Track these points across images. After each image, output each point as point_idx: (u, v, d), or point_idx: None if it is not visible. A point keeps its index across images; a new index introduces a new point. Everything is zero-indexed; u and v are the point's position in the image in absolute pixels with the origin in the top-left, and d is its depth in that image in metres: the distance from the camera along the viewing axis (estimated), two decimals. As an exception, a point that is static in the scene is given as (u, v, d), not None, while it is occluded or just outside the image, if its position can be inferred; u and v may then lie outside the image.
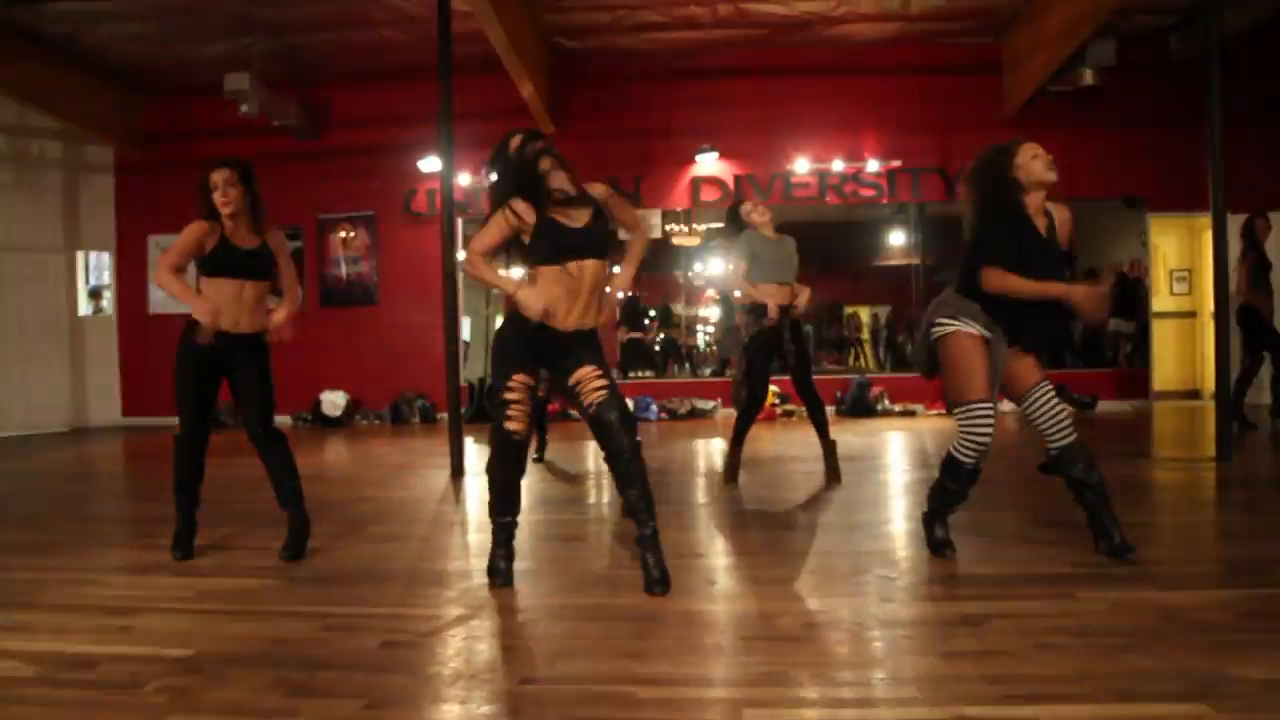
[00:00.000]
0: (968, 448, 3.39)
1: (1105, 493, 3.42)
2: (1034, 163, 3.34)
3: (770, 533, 4.19)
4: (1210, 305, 7.18)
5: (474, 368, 12.38)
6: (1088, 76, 9.28)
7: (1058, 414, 3.39)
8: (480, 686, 2.34)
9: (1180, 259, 11.54)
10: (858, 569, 3.41)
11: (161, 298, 11.10)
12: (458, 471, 6.21)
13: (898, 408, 10.17)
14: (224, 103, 9.65)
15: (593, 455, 7.46)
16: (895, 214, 11.56)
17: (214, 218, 3.80)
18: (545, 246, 3.23)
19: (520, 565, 3.70)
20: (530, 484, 6.17)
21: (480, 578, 3.44)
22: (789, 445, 7.48)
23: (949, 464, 3.49)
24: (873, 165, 10.40)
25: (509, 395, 3.25)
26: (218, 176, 3.76)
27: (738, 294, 5.31)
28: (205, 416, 3.97)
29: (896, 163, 10.40)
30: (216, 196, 3.77)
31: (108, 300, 11.34)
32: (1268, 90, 9.64)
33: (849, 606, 2.94)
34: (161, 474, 7.07)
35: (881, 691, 2.23)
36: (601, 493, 5.70)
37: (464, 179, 10.47)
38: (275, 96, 10.01)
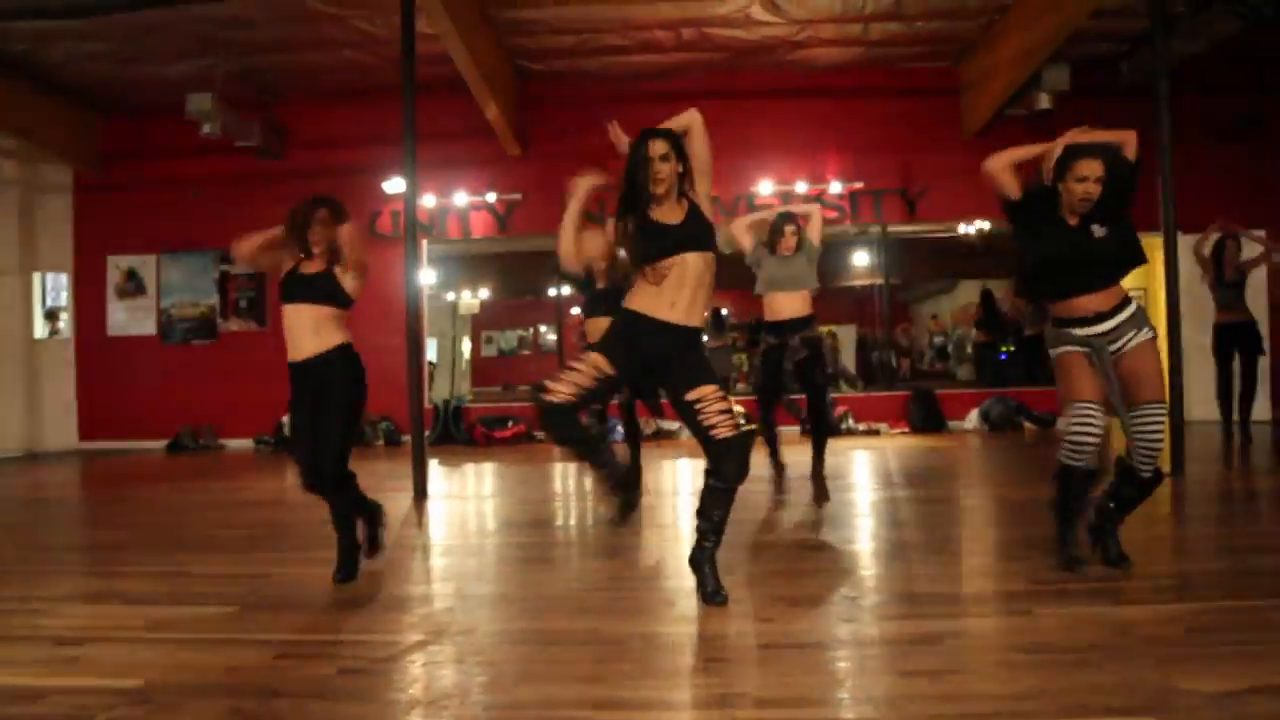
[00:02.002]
0: (1070, 446, 3.44)
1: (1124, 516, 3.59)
2: (1075, 186, 3.38)
3: (733, 554, 4.18)
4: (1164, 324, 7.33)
5: (440, 389, 12.31)
6: (1043, 100, 9.48)
7: (1153, 442, 3.42)
8: (438, 713, 2.32)
9: (1135, 278, 11.74)
10: (820, 589, 3.42)
11: (121, 320, 10.96)
12: (420, 494, 6.16)
13: (862, 427, 10.24)
14: (186, 123, 9.55)
15: (559, 477, 7.44)
16: (858, 235, 11.68)
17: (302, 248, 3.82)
18: (643, 246, 3.27)
19: (484, 589, 3.69)
20: (498, 506, 6.14)
21: (441, 602, 3.41)
22: (752, 466, 7.49)
23: (1060, 472, 3.53)
24: (835, 187, 10.51)
25: (569, 364, 3.25)
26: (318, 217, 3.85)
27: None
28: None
29: (859, 184, 10.52)
30: (311, 235, 3.82)
31: (65, 322, 11.14)
32: (1216, 114, 9.90)
33: (810, 627, 2.95)
34: (118, 499, 6.98)
35: (840, 711, 2.24)
36: (569, 515, 5.68)
37: (428, 200, 10.46)
38: (238, 117, 9.94)
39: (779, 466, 6.05)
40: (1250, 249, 8.02)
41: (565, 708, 2.32)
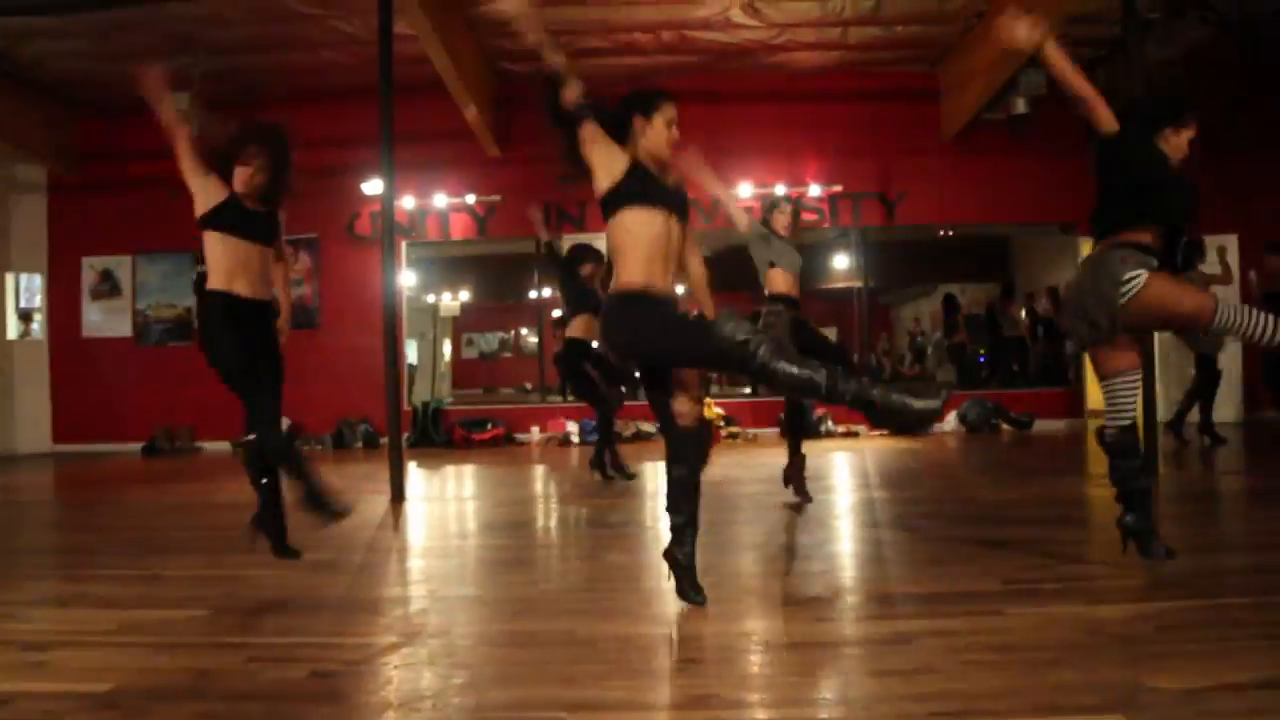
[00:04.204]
0: (1262, 324, 3.15)
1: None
2: (1183, 143, 3.40)
3: (710, 555, 4.19)
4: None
5: (420, 391, 12.26)
6: (1020, 105, 9.59)
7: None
8: (408, 716, 2.31)
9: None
10: (795, 590, 3.43)
11: (96, 322, 10.86)
12: (398, 496, 6.13)
13: (840, 429, 10.28)
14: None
15: (538, 479, 7.43)
16: (838, 237, 11.74)
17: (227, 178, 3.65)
18: (636, 187, 3.11)
19: (460, 591, 3.68)
20: (476, 509, 6.12)
21: (416, 605, 3.39)
22: (730, 468, 7.52)
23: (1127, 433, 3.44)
24: (814, 190, 10.56)
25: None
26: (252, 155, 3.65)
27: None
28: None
29: (838, 187, 10.58)
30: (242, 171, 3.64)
31: (38, 323, 11.02)
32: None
33: (784, 627, 2.95)
34: (91, 502, 6.91)
35: (810, 712, 2.25)
36: (549, 517, 5.67)
37: (408, 202, 10.42)
38: (216, 117, 9.85)
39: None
40: (1210, 267, 8.12)
41: (538, 709, 2.31)
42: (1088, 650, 2.60)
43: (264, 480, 3.63)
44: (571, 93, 3.12)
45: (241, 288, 3.61)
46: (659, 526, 4.90)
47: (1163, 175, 3.37)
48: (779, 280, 5.43)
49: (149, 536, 5.04)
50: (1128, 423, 3.46)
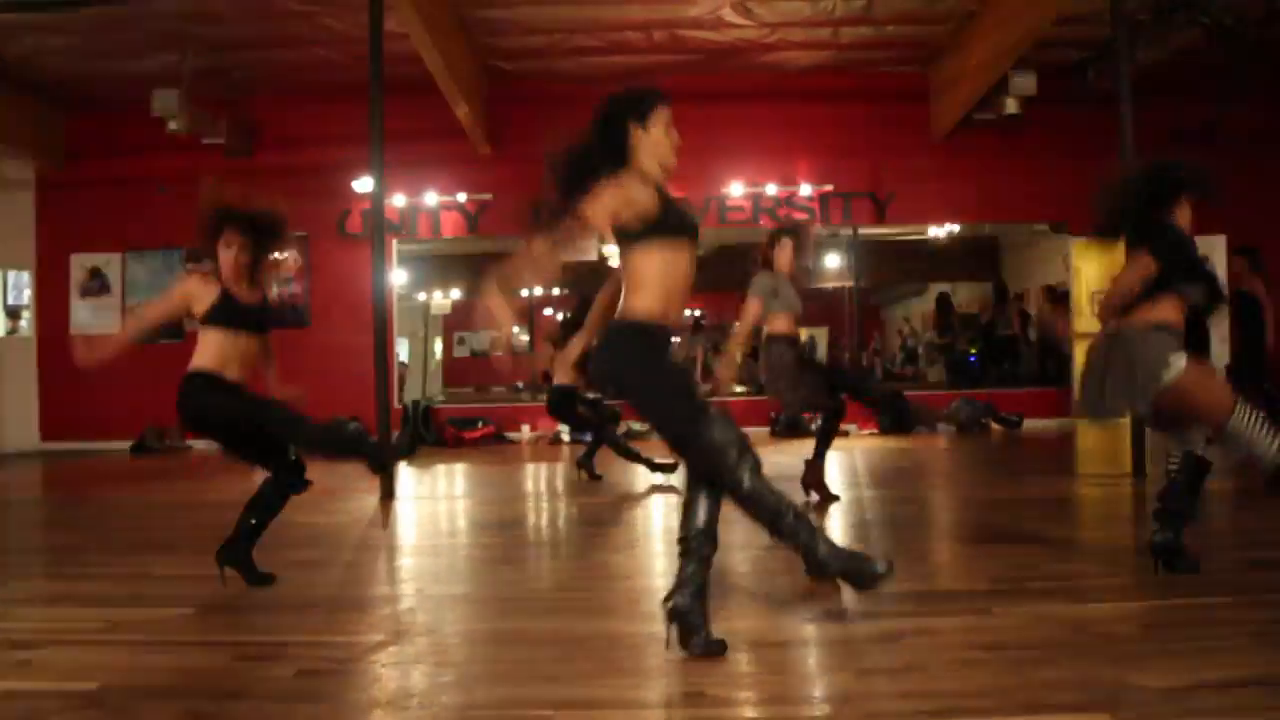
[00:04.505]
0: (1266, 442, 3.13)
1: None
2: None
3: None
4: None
5: (411, 390, 12.24)
6: (1010, 105, 9.61)
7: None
8: (395, 714, 2.31)
9: (1101, 281, 11.93)
10: (782, 588, 3.44)
11: (85, 319, 10.80)
12: (388, 495, 6.12)
13: (832, 428, 10.28)
14: (152, 120, 9.43)
15: (529, 478, 7.43)
16: (829, 237, 11.74)
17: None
18: (674, 220, 2.76)
19: (448, 590, 3.67)
20: (466, 507, 6.12)
21: (404, 603, 3.39)
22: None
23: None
24: (805, 189, 10.57)
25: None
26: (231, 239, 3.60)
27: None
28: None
29: (828, 187, 10.59)
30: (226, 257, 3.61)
31: (26, 320, 10.95)
32: (1179, 120, 10.07)
33: (771, 626, 2.96)
34: (79, 501, 6.88)
35: (797, 710, 2.26)
36: (539, 516, 5.67)
37: (398, 200, 10.40)
38: (205, 114, 9.83)
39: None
40: None
41: (525, 707, 2.31)
42: (1074, 649, 2.62)
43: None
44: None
45: (232, 373, 3.61)
46: (647, 525, 4.91)
47: (1196, 256, 3.38)
48: (780, 321, 5.26)
49: (137, 535, 5.03)
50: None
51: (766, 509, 2.65)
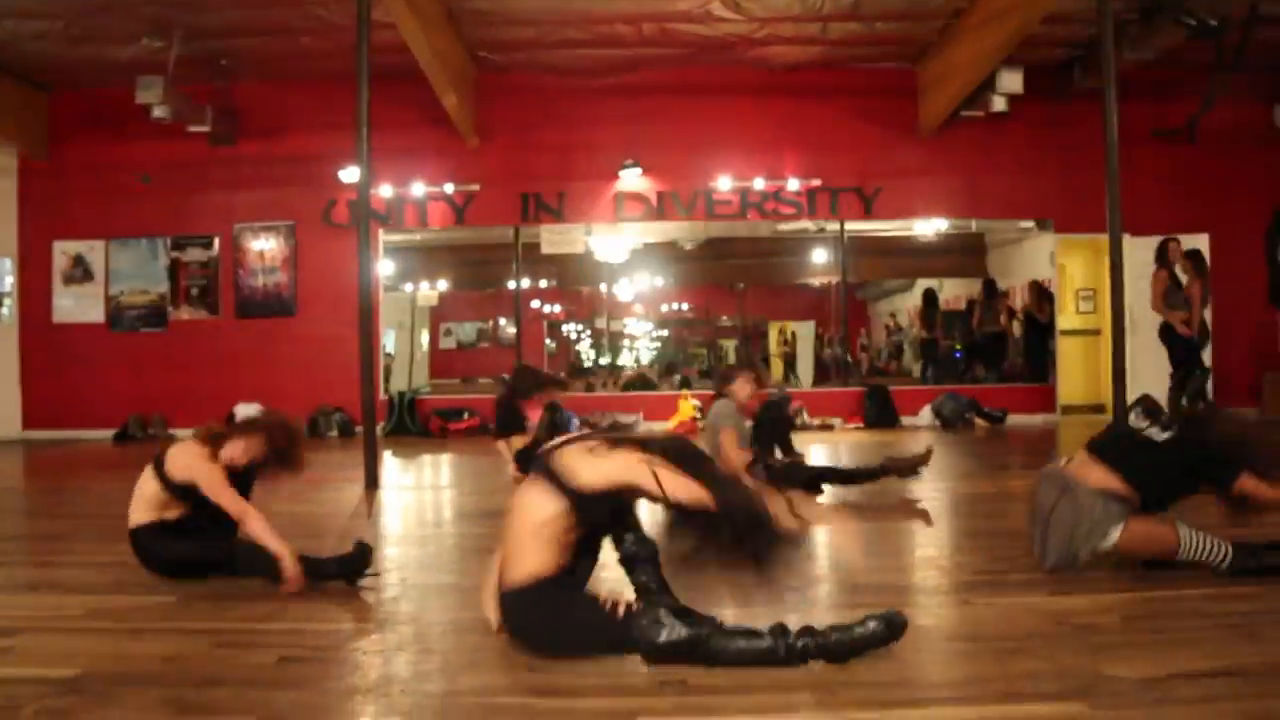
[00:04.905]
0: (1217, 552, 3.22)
1: None
2: None
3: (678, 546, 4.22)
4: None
5: (397, 381, 12.20)
6: (998, 103, 9.65)
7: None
8: (376, 701, 2.31)
9: (1085, 278, 12.02)
10: (754, 581, 3.43)
11: (68, 307, 10.73)
12: (372, 484, 6.10)
13: (816, 421, 10.34)
14: (136, 106, 9.36)
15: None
16: (817, 232, 11.77)
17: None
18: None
19: (432, 579, 3.68)
20: (451, 497, 6.11)
21: (388, 591, 3.39)
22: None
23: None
24: (793, 184, 10.59)
25: None
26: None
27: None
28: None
29: (816, 181, 10.61)
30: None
31: (8, 308, 10.85)
32: (1164, 119, 10.16)
33: (752, 615, 2.97)
34: (60, 489, 6.84)
35: (773, 698, 2.27)
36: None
37: (385, 190, 10.36)
38: (190, 102, 9.76)
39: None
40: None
41: (508, 694, 2.32)
42: (1052, 639, 2.64)
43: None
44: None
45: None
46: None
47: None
48: (733, 455, 5.12)
49: (119, 523, 4.96)
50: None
51: (756, 656, 2.42)
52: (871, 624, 2.42)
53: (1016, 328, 12.14)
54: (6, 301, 10.83)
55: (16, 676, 2.53)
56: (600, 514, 2.55)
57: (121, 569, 3.84)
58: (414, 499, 6.10)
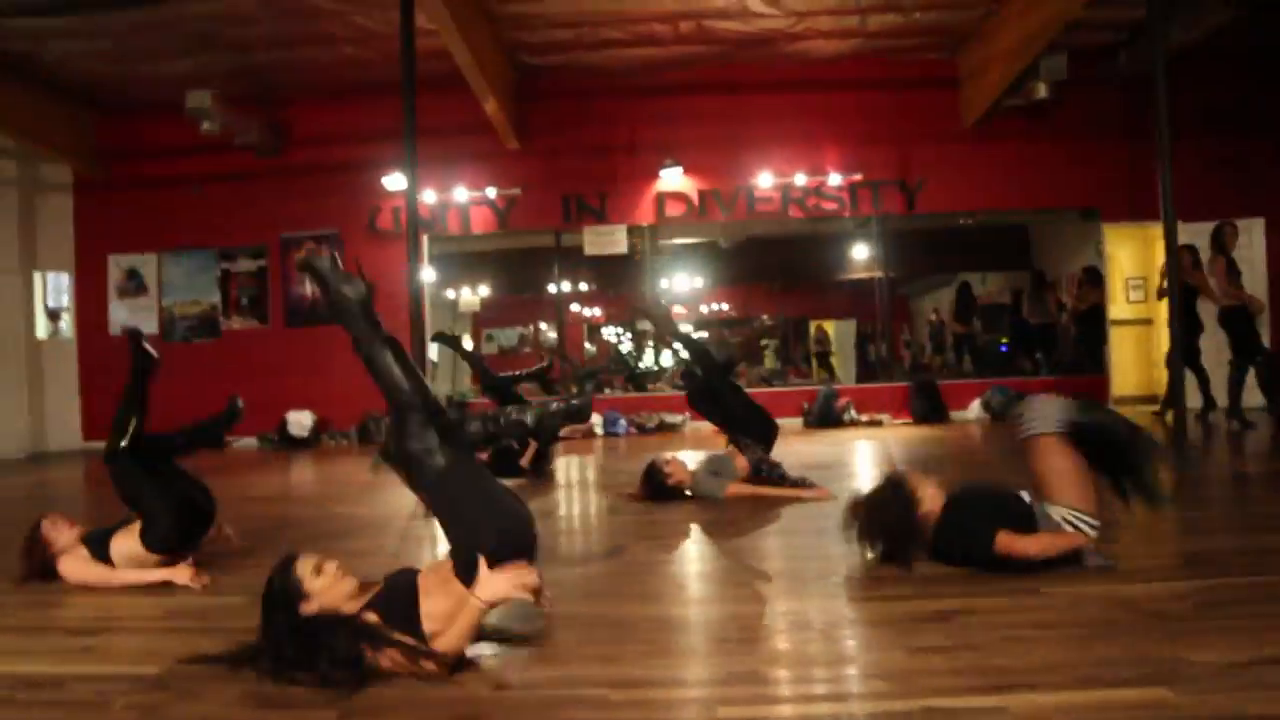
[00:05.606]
0: None
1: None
2: None
3: (740, 540, 4.22)
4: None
5: (441, 386, 12.31)
6: (1041, 91, 9.51)
7: None
8: (454, 692, 2.34)
9: (1135, 267, 11.80)
10: (827, 571, 3.44)
11: (123, 319, 10.97)
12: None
13: (864, 418, 10.27)
14: (184, 120, 9.57)
15: (560, 469, 7.46)
16: (858, 227, 11.69)
17: None
18: None
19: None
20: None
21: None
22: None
23: None
24: (834, 179, 10.53)
25: None
26: None
27: None
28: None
29: (857, 176, 10.54)
30: None
31: (66, 322, 11.14)
32: (1214, 102, 9.94)
33: (819, 607, 2.97)
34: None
35: (851, 686, 2.27)
36: (571, 505, 5.70)
37: (428, 196, 10.47)
38: (237, 114, 9.95)
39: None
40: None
41: (579, 687, 2.34)
42: (1126, 626, 2.61)
43: None
44: None
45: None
46: (686, 513, 4.92)
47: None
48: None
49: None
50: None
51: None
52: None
53: (1065, 319, 11.96)
54: (65, 315, 11.12)
55: (102, 673, 2.60)
56: None
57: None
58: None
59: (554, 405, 2.92)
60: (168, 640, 2.90)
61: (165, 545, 3.71)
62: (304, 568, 2.52)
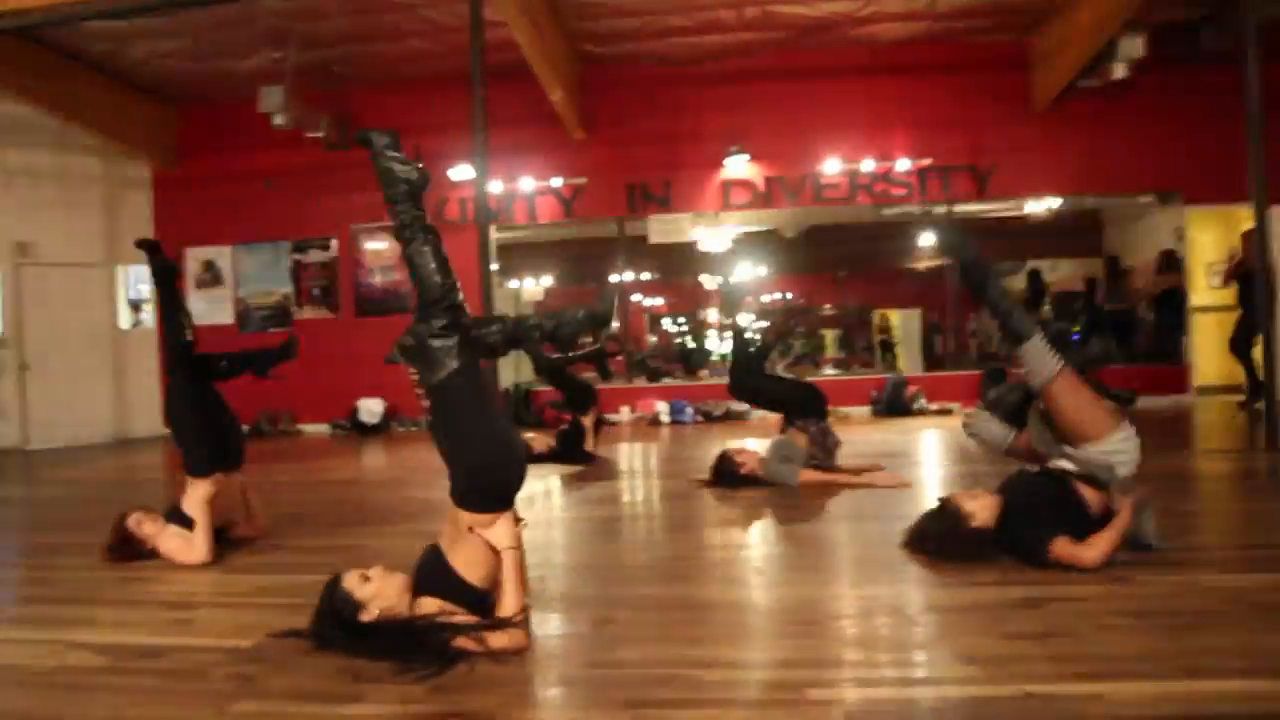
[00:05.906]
0: None
1: None
2: None
3: (814, 525, 4.19)
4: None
5: (507, 375, 12.43)
6: (1118, 70, 9.20)
7: None
8: (547, 670, 2.37)
9: (1218, 252, 11.38)
10: (904, 558, 3.39)
11: (201, 310, 11.27)
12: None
13: (934, 406, 10.10)
14: (257, 116, 9.79)
15: (624, 456, 7.48)
16: (922, 215, 11.47)
17: None
18: None
19: (569, 560, 3.74)
20: (572, 483, 6.21)
21: (533, 571, 3.46)
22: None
23: None
24: (903, 164, 10.35)
25: None
26: None
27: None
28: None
29: (926, 161, 10.35)
30: None
31: (148, 313, 11.51)
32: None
33: (903, 592, 2.93)
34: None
35: (946, 671, 2.23)
36: (635, 491, 5.72)
37: (495, 186, 10.57)
38: (307, 108, 10.15)
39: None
40: None
41: (669, 666, 2.34)
42: (1229, 616, 2.53)
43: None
44: None
45: None
46: (761, 498, 4.90)
47: None
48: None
49: (265, 510, 5.23)
50: None
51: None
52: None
53: (1143, 306, 11.60)
54: (146, 307, 11.48)
55: (201, 646, 2.69)
56: None
57: (274, 552, 4.05)
58: (540, 486, 6.21)
59: (577, 311, 2.96)
60: (260, 614, 2.99)
61: (207, 467, 3.98)
62: (350, 581, 2.57)
